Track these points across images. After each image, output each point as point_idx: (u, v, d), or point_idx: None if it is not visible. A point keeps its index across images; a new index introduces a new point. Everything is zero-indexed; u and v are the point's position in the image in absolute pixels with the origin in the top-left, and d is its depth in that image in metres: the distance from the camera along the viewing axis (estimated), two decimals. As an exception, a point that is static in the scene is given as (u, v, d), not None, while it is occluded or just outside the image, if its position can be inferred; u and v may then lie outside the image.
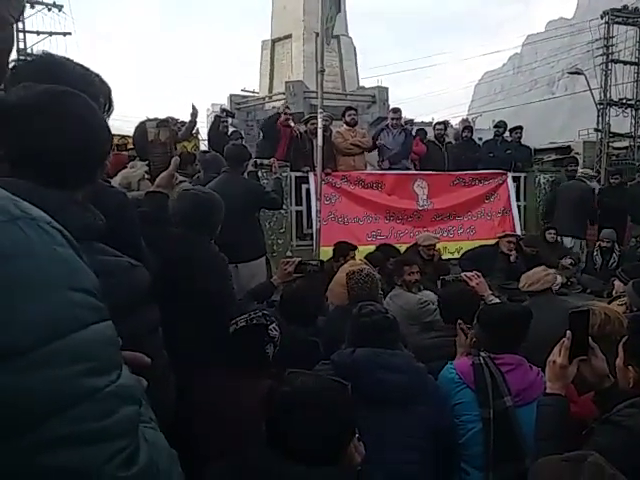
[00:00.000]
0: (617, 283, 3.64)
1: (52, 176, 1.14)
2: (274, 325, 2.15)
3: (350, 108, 7.49)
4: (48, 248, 0.59)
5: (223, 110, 8.17)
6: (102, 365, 0.61)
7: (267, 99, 11.84)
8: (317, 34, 8.10)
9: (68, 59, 1.43)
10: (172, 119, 5.64)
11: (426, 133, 8.30)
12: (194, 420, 1.94)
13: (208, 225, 2.40)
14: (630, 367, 1.58)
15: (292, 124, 7.12)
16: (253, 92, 16.44)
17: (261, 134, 7.73)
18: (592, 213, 7.55)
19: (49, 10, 18.61)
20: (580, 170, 8.43)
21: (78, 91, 1.21)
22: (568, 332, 1.64)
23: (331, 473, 1.32)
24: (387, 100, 11.47)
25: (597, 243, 6.81)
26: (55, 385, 0.55)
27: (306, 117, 7.40)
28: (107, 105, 1.49)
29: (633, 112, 18.32)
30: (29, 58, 1.41)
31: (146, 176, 2.46)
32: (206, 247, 2.37)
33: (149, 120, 2.65)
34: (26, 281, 0.56)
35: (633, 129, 18.11)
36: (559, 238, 7.16)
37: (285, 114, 7.08)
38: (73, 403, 0.56)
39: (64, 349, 0.57)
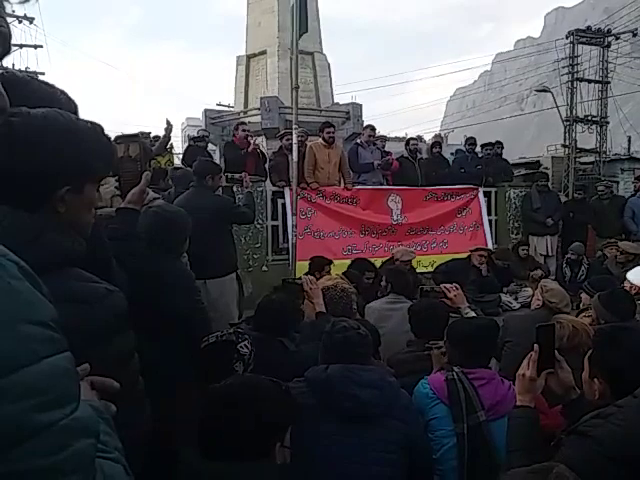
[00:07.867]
0: (584, 296, 3.69)
1: (28, 199, 1.10)
2: (245, 343, 2.14)
3: (329, 125, 7.14)
4: (2, 282, 0.59)
5: (191, 138, 8.05)
6: (55, 399, 0.59)
7: (242, 114, 11.82)
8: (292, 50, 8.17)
9: (32, 77, 1.41)
10: (142, 134, 5.60)
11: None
12: (174, 434, 1.91)
13: (170, 243, 2.36)
14: (595, 379, 1.61)
15: (250, 139, 7.10)
16: (228, 106, 16.40)
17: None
18: None
19: (20, 22, 18.32)
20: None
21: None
22: (536, 345, 1.68)
23: (251, 469, 1.30)
24: (361, 116, 11.54)
25: (566, 256, 6.99)
26: (5, 421, 0.54)
27: (281, 133, 7.42)
28: None
29: (598, 128, 18.90)
30: None
31: (116, 192, 2.43)
32: (171, 264, 2.33)
33: (118, 136, 2.61)
34: None
35: (598, 145, 18.67)
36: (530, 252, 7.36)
37: (243, 130, 7.08)
38: (24, 439, 0.55)
39: (15, 384, 0.55)
